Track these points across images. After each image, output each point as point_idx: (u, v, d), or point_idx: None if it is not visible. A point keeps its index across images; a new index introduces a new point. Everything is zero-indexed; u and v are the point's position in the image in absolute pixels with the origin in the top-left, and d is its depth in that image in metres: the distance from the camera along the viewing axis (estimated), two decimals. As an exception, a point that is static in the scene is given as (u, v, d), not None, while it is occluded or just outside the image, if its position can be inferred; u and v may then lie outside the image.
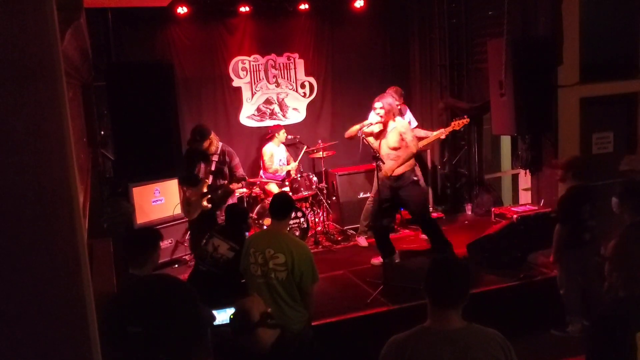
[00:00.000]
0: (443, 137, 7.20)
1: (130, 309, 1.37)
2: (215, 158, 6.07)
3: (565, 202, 5.13)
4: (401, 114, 7.05)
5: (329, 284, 5.88)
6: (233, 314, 3.20)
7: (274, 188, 7.24)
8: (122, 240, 3.84)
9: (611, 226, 4.75)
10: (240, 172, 6.30)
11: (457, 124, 6.96)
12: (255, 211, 6.97)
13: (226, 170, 6.19)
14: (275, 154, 7.57)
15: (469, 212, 8.23)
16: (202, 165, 6.03)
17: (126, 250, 3.67)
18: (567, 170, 5.16)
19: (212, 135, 6.19)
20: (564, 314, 5.32)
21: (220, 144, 6.22)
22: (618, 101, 6.67)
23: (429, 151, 8.09)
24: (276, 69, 8.16)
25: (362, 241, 7.10)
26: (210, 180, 6.06)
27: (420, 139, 7.02)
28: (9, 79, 1.17)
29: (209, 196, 6.02)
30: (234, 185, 6.20)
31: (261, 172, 7.67)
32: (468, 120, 6.97)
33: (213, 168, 6.08)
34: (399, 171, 5.94)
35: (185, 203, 6.03)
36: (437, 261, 2.45)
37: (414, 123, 7.16)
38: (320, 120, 8.40)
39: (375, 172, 6.35)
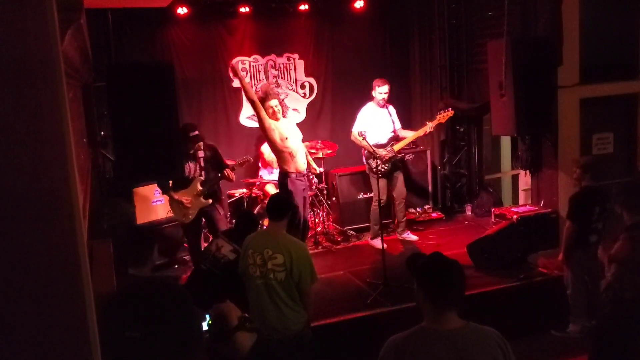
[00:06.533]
0: (430, 130, 6.90)
1: (129, 314, 1.37)
2: (201, 154, 6.08)
3: (578, 201, 5.12)
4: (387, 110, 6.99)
5: (329, 285, 5.88)
6: (211, 321, 3.18)
7: (271, 189, 7.22)
8: (122, 242, 3.83)
9: (612, 227, 4.75)
10: (226, 161, 6.31)
11: (443, 117, 6.83)
12: (255, 212, 6.97)
13: (214, 162, 6.19)
14: (274, 152, 7.54)
15: (469, 213, 8.22)
16: (191, 165, 6.02)
17: (126, 251, 3.67)
18: (586, 170, 5.14)
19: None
20: (567, 314, 5.31)
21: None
22: (618, 102, 6.67)
23: (429, 151, 8.07)
24: (276, 70, 8.15)
25: (377, 243, 6.97)
26: (203, 177, 6.05)
27: (401, 139, 6.97)
28: (9, 79, 1.16)
29: (206, 192, 6.00)
30: (232, 175, 6.14)
31: (260, 172, 7.67)
32: (452, 112, 6.85)
33: (202, 164, 6.09)
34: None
35: (179, 207, 5.97)
36: (433, 261, 2.43)
37: (398, 125, 7.04)
38: (320, 121, 8.39)
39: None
